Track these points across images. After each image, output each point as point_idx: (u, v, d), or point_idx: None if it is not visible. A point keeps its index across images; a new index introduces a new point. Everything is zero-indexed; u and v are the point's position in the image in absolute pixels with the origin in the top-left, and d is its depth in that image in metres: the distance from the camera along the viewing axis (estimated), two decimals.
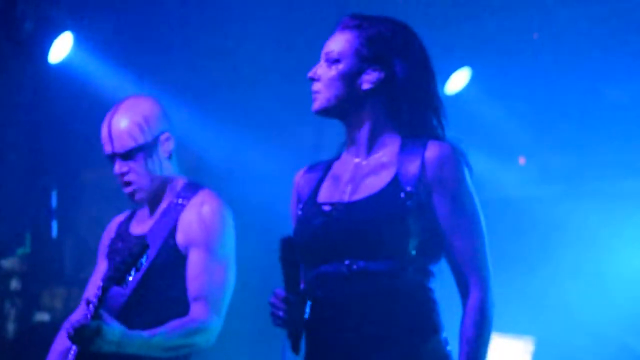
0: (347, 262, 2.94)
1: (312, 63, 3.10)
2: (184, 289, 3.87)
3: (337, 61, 3.07)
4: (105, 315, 3.57)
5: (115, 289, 3.72)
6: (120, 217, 4.27)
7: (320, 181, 3.15)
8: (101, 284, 3.56)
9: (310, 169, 3.24)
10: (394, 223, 2.91)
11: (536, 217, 7.06)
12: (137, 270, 3.54)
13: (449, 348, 2.98)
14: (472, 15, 6.53)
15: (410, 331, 2.92)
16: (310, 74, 3.07)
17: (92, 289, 4.21)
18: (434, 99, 3.10)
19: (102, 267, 4.20)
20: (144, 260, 3.54)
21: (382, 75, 3.07)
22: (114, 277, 3.54)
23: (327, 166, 3.19)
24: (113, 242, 4.15)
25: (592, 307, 6.97)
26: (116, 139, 3.96)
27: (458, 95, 6.57)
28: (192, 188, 4.07)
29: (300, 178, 3.24)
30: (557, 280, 6.97)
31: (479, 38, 6.59)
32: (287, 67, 6.65)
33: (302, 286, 3.05)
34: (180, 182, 4.10)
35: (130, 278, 3.55)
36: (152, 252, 3.88)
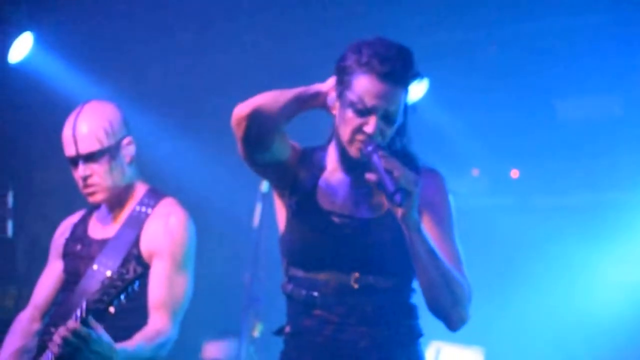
0: (355, 274, 3.13)
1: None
2: (144, 299, 3.89)
3: (394, 120, 3.14)
4: (95, 323, 3.47)
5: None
6: (74, 218, 4.27)
7: (316, 183, 3.26)
8: (85, 303, 3.45)
9: (310, 158, 3.30)
10: (404, 244, 3.07)
11: (487, 228, 7.15)
12: (128, 296, 3.44)
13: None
14: (431, 28, 6.59)
15: (404, 337, 3.18)
16: (374, 131, 3.08)
17: (42, 290, 4.21)
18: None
19: (54, 266, 4.20)
20: (136, 286, 3.45)
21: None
22: (101, 301, 3.42)
23: (320, 170, 3.29)
24: (69, 243, 4.15)
25: (541, 318, 7.07)
26: (81, 141, 3.98)
27: (414, 106, 6.60)
28: (155, 195, 4.10)
29: (302, 159, 3.30)
30: (506, 290, 7.05)
31: (437, 50, 6.65)
32: (245, 77, 6.69)
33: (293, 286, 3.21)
34: (142, 188, 4.13)
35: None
36: (115, 261, 3.91)
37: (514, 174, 7.52)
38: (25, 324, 4.19)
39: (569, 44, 6.49)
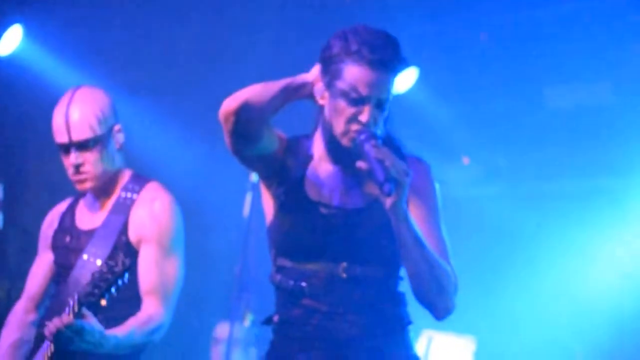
0: (344, 264, 3.14)
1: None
2: (135, 286, 3.89)
3: (385, 108, 3.13)
4: (88, 314, 3.48)
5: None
6: (61, 207, 4.26)
7: (303, 173, 3.25)
8: (77, 297, 3.45)
9: (296, 147, 3.29)
10: (391, 233, 3.08)
11: (478, 216, 7.16)
12: (118, 288, 3.45)
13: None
14: (420, 16, 6.59)
15: (393, 325, 3.19)
16: (368, 119, 3.07)
17: (35, 281, 4.22)
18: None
19: (45, 257, 4.20)
20: (125, 278, 3.45)
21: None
22: (92, 294, 3.44)
23: (306, 160, 3.27)
24: (58, 234, 4.15)
25: (533, 306, 7.08)
26: (74, 129, 3.96)
27: (405, 95, 6.63)
28: (140, 180, 4.11)
29: (289, 148, 3.29)
30: (498, 278, 7.06)
31: (426, 38, 6.65)
32: (235, 65, 6.69)
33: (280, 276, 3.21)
34: (126, 174, 4.13)
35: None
36: (105, 250, 3.90)
37: (465, 161, 7.56)
38: (20, 315, 4.21)
39: (558, 31, 6.49)
